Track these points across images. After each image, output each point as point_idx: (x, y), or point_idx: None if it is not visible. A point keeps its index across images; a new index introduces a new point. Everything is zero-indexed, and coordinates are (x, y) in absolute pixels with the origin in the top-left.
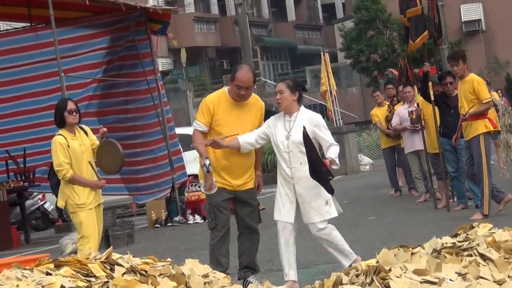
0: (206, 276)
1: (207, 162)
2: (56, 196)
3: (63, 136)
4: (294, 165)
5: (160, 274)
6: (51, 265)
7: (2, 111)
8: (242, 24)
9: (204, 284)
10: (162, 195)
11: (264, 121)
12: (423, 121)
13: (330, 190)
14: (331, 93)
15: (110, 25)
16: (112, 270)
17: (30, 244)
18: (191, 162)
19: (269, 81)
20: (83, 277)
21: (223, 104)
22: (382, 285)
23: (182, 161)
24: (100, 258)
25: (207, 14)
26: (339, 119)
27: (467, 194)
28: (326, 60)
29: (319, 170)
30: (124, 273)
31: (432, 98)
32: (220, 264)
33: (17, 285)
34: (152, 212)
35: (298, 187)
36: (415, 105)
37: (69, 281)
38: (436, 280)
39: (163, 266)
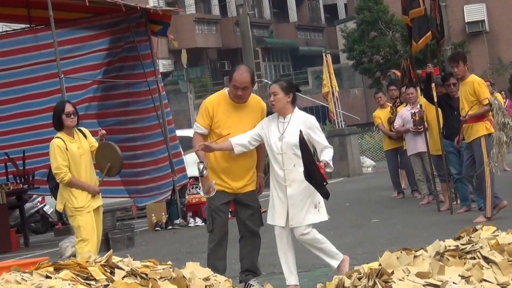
0: (207, 279)
1: (201, 166)
2: (56, 199)
3: (61, 139)
4: (287, 167)
5: (161, 278)
6: (51, 269)
7: (1, 113)
8: (243, 25)
9: (205, 287)
10: (163, 198)
11: None
12: (426, 123)
13: (326, 195)
14: (333, 94)
15: (110, 26)
16: (112, 273)
17: (30, 247)
18: (192, 164)
19: (270, 83)
20: (83, 281)
21: (223, 106)
22: None
23: (182, 163)
24: (100, 261)
25: (208, 15)
26: (341, 121)
27: (471, 196)
28: (328, 61)
29: (314, 175)
30: (124, 277)
31: (435, 100)
32: (216, 268)
33: None
34: (153, 215)
35: (290, 190)
36: (418, 106)
37: (69, 284)
38: (439, 283)
39: (163, 269)
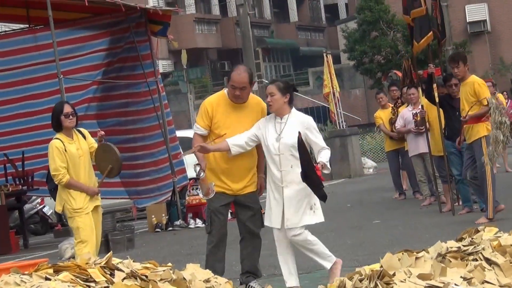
0: (207, 281)
1: (197, 168)
2: (55, 200)
3: (60, 140)
4: (284, 168)
5: (161, 279)
6: (50, 270)
7: (0, 113)
8: (243, 25)
9: None
10: (163, 199)
11: None
12: (427, 124)
13: (323, 197)
14: (334, 95)
15: (110, 26)
16: (112, 275)
17: (29, 249)
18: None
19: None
20: (82, 282)
21: (222, 107)
22: None
23: (183, 164)
24: (100, 263)
25: (208, 15)
26: (342, 122)
27: (472, 197)
28: (329, 61)
29: (312, 177)
30: (124, 278)
31: (437, 100)
32: (214, 269)
33: None
34: (153, 216)
35: (287, 191)
36: (420, 107)
37: (68, 286)
38: (441, 285)
39: (163, 271)
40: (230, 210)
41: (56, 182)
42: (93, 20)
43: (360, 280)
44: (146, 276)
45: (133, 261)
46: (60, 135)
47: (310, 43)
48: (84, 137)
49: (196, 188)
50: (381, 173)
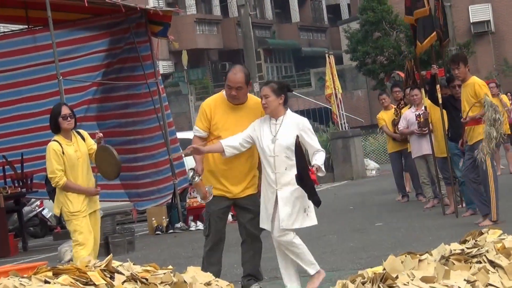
0: (208, 284)
1: (190, 173)
2: (53, 202)
3: (57, 142)
4: (279, 170)
5: (161, 282)
6: (50, 273)
7: None
8: (245, 26)
9: None
10: (163, 201)
11: None
12: (430, 125)
13: (317, 203)
14: (336, 96)
15: (110, 27)
16: (112, 278)
17: (28, 252)
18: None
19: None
20: (82, 286)
21: (221, 108)
22: None
23: (183, 166)
24: (99, 266)
25: (209, 16)
26: (344, 123)
27: None
28: (331, 62)
29: (307, 182)
30: (124, 281)
31: (440, 101)
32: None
33: None
34: (153, 218)
35: (281, 193)
36: (423, 108)
37: None
38: None
39: (164, 274)
40: (231, 213)
41: (53, 185)
42: (93, 21)
43: (363, 283)
44: (147, 279)
45: (134, 264)
46: (58, 137)
47: (312, 43)
48: (83, 138)
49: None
50: (383, 175)
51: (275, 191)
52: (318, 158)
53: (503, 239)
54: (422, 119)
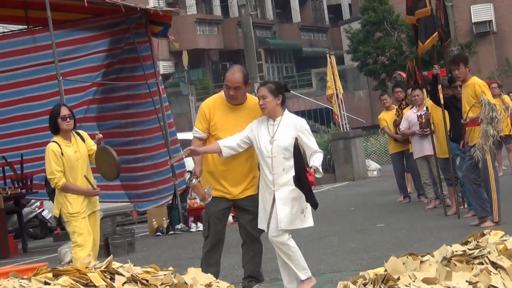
0: (209, 285)
1: (187, 176)
2: (53, 202)
3: (56, 143)
4: (277, 171)
5: (162, 284)
6: (50, 275)
7: None
8: (245, 26)
9: None
10: (164, 202)
11: None
12: (432, 125)
13: (315, 205)
14: (337, 96)
15: (110, 27)
16: (112, 279)
17: (28, 253)
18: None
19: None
20: (82, 287)
21: (220, 109)
22: None
23: (184, 167)
24: (100, 267)
25: (210, 16)
26: (345, 124)
27: None
28: (332, 62)
29: (305, 185)
30: (124, 283)
31: (442, 102)
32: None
33: None
34: (153, 219)
35: (279, 194)
36: (424, 109)
37: None
38: None
39: (164, 275)
40: (232, 214)
41: (52, 186)
42: (93, 21)
43: (364, 284)
44: (147, 281)
45: (134, 265)
46: (58, 138)
47: (313, 44)
48: (83, 139)
49: None
50: (385, 175)
51: (272, 192)
52: (315, 159)
53: (505, 240)
54: (423, 120)
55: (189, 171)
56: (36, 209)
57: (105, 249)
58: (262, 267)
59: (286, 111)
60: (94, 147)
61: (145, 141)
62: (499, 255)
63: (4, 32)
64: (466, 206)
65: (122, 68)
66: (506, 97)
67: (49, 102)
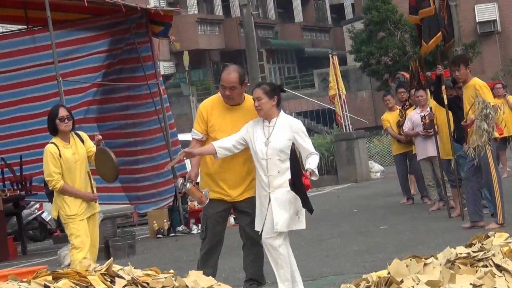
0: None
1: (179, 181)
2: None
3: (55, 144)
4: (271, 173)
5: (163, 287)
6: (49, 277)
7: None
8: (247, 26)
9: None
10: (164, 204)
11: None
12: (436, 126)
13: (310, 210)
14: (340, 97)
15: (110, 27)
16: (112, 282)
17: (27, 256)
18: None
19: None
20: None
21: (217, 109)
22: None
23: (185, 168)
24: (100, 270)
25: (211, 16)
26: (348, 124)
27: (483, 202)
28: (334, 63)
29: (300, 189)
30: (125, 286)
31: (446, 102)
32: None
33: None
34: (154, 221)
35: (274, 196)
36: (428, 109)
37: None
38: None
39: (165, 278)
40: (233, 216)
41: (50, 188)
42: (93, 21)
43: (367, 287)
44: (148, 284)
45: (134, 268)
46: (56, 139)
47: (316, 44)
48: (83, 141)
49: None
50: (388, 177)
51: (268, 194)
52: (311, 162)
53: (510, 242)
54: (427, 121)
55: (182, 177)
56: (36, 211)
57: (105, 251)
58: (264, 269)
59: (282, 112)
60: (94, 149)
61: (145, 143)
62: (503, 258)
63: (3, 32)
64: None
65: (122, 68)
66: (510, 98)
67: (48, 103)
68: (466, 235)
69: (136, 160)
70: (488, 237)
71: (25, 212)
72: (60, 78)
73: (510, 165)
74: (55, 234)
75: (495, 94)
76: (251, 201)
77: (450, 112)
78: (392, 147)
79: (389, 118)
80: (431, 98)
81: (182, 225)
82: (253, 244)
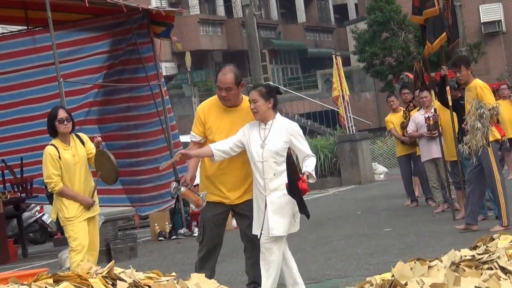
0: None
1: (174, 185)
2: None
3: (54, 146)
4: (267, 176)
5: None
6: (50, 280)
7: None
8: (249, 26)
9: None
10: (166, 207)
11: None
12: (440, 128)
13: (307, 216)
14: (343, 98)
15: (111, 27)
16: (114, 285)
17: (28, 258)
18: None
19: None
20: None
21: (215, 111)
22: None
23: (186, 169)
24: (101, 273)
25: (213, 16)
26: (352, 126)
27: (487, 204)
28: (338, 63)
29: (296, 193)
30: None
31: (450, 104)
32: None
33: None
34: (156, 224)
35: (270, 199)
36: (432, 110)
37: None
38: None
39: (167, 281)
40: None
41: (49, 190)
42: (94, 22)
43: None
44: (149, 286)
45: (136, 271)
46: (56, 141)
47: (319, 44)
48: (83, 142)
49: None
50: (392, 179)
51: (264, 198)
52: (308, 165)
53: None
54: (431, 122)
55: (176, 180)
56: (36, 213)
57: (106, 254)
58: None
59: (278, 114)
60: (94, 151)
61: (147, 144)
62: (508, 260)
63: (3, 33)
64: None
65: (123, 69)
66: None
67: (49, 105)
68: (470, 238)
69: (138, 162)
70: (493, 239)
71: (25, 214)
72: (61, 79)
73: None
74: (55, 236)
75: (500, 95)
76: (250, 203)
77: (454, 113)
78: (396, 148)
79: (393, 120)
80: (435, 99)
81: (184, 228)
82: (254, 246)
